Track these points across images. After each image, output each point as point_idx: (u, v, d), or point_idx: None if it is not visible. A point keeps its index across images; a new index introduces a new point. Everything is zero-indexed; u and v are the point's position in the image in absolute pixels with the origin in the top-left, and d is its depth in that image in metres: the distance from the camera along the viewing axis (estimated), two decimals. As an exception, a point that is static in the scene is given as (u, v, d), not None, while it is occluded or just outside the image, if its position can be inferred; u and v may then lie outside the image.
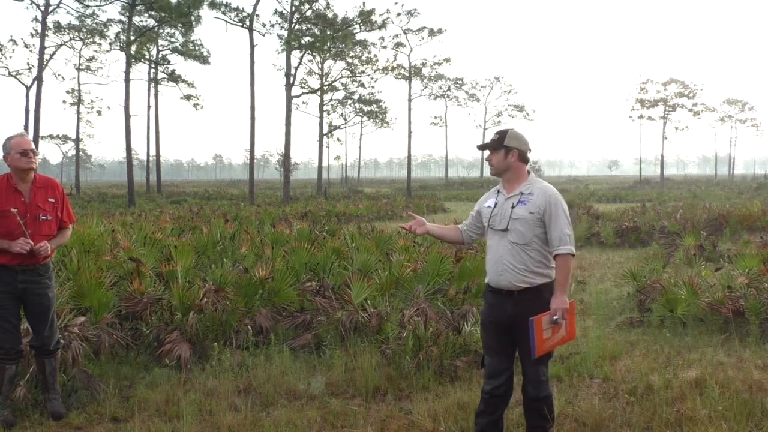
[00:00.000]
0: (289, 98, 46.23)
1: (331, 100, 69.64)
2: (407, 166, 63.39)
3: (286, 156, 46.75)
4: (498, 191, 4.46)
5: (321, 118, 65.46)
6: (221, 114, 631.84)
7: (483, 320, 4.49)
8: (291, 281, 8.11)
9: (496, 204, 4.39)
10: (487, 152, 4.43)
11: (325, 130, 66.75)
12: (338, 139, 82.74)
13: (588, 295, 10.39)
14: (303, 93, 56.67)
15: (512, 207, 4.27)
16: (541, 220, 4.20)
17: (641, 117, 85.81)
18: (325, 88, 62.19)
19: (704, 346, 7.31)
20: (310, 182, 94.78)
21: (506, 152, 4.30)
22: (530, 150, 4.38)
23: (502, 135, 4.34)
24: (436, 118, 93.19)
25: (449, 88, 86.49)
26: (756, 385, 5.81)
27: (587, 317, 8.92)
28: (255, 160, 45.68)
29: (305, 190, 65.65)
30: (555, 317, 4.09)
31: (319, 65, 64.07)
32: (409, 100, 62.95)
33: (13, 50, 61.37)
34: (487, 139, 4.47)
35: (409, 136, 61.80)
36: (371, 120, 71.26)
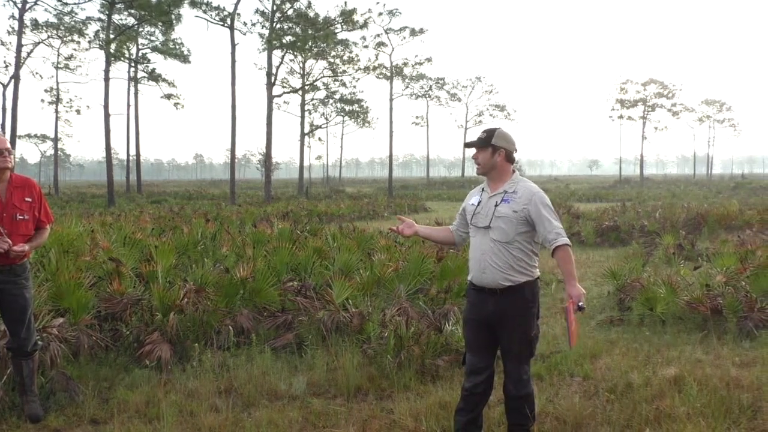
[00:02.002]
0: (271, 98, 46.10)
1: (312, 99, 69.57)
2: (389, 165, 63.52)
3: (267, 155, 46.61)
4: (483, 189, 4.46)
5: (302, 117, 65.32)
6: (202, 113, 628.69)
7: (465, 317, 4.49)
8: (272, 281, 8.07)
9: (479, 202, 4.39)
10: (473, 150, 4.43)
11: (307, 129, 66.62)
12: (319, 139, 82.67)
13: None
14: (284, 92, 56.49)
15: (495, 205, 4.26)
16: (525, 219, 4.19)
17: (621, 117, 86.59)
18: (306, 87, 62.03)
19: (683, 344, 7.37)
20: (292, 182, 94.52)
21: (493, 151, 4.29)
22: (516, 150, 4.39)
23: (490, 134, 4.32)
24: (417, 117, 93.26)
25: (431, 88, 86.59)
26: (733, 382, 5.87)
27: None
28: (236, 160, 45.53)
29: (286, 190, 65.45)
30: (581, 304, 4.09)
31: (301, 64, 63.90)
32: (391, 100, 63.14)
33: (-10, 48, 60.57)
34: (474, 138, 4.47)
35: (391, 136, 61.94)
36: (353, 120, 71.20)
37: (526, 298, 4.21)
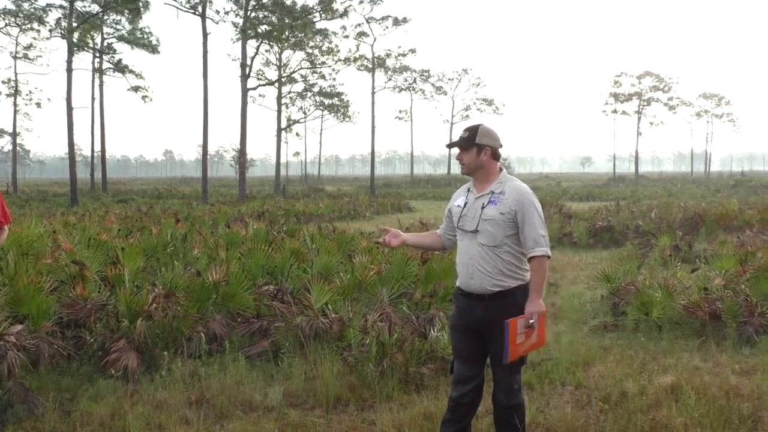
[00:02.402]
0: (245, 90, 45.97)
1: (289, 92, 69.41)
2: (371, 162, 63.55)
3: (242, 152, 46.50)
4: (468, 189, 4.44)
5: (279, 111, 65.15)
6: (172, 107, 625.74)
7: (453, 324, 4.49)
8: (247, 285, 8.04)
9: (465, 203, 4.37)
10: (456, 150, 4.42)
11: (284, 124, 66.46)
12: (297, 134, 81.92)
13: (560, 299, 10.50)
14: (260, 85, 56.25)
15: (482, 207, 4.25)
16: (513, 221, 4.18)
17: (615, 112, 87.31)
18: (283, 79, 61.99)
19: (680, 351, 7.42)
20: (268, 180, 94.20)
21: (478, 150, 4.26)
22: (501, 146, 4.37)
23: (473, 132, 4.28)
24: (401, 112, 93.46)
25: (415, 81, 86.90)
26: (733, 390, 5.91)
27: (559, 321, 9.01)
28: (208, 157, 45.35)
29: (262, 188, 65.33)
30: (531, 321, 4.10)
31: (277, 56, 63.81)
32: (373, 93, 63.05)
33: (-57, 37, 59.79)
34: (456, 136, 4.44)
35: (373, 131, 61.81)
36: (332, 114, 71.16)
37: (517, 303, 4.20)
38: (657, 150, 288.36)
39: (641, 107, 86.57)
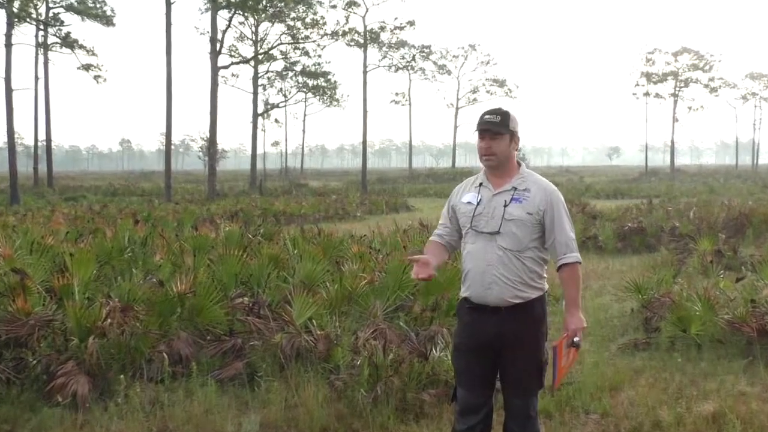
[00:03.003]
0: (215, 69, 45.86)
1: (267, 72, 69.49)
2: (362, 154, 63.25)
3: (212, 141, 46.39)
4: (480, 184, 4.42)
5: (255, 94, 65.09)
6: (130, 90, 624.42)
7: (457, 344, 4.48)
8: (217, 297, 8.04)
9: (480, 200, 4.35)
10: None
11: (260, 109, 66.53)
12: (276, 121, 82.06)
13: (583, 313, 10.50)
14: (233, 63, 56.29)
15: (504, 205, 4.26)
16: (540, 223, 4.24)
17: (647, 94, 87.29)
18: (260, 57, 61.88)
19: (723, 374, 7.42)
20: (242, 174, 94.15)
21: (511, 138, 4.30)
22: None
23: (505, 116, 4.29)
24: (397, 95, 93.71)
25: (413, 58, 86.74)
26: (784, 419, 5.94)
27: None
28: (172, 147, 45.29)
29: (235, 184, 65.21)
30: (576, 340, 4.15)
31: (253, 29, 63.72)
32: (365, 73, 62.83)
33: None
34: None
35: (365, 117, 61.46)
36: (317, 97, 71.26)
37: (536, 316, 4.24)
38: (696, 139, 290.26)
39: (678, 89, 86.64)
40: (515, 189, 4.28)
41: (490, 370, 4.35)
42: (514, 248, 4.20)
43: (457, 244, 4.61)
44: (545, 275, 4.32)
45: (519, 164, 4.39)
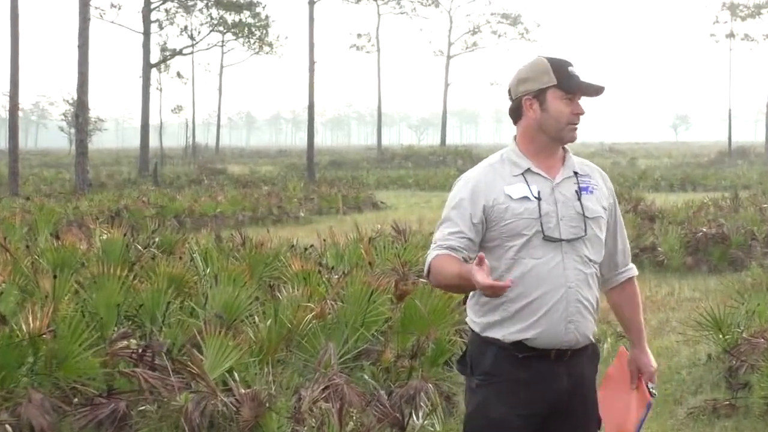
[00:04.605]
0: (85, -2, 45.53)
1: (164, 1, 69.19)
2: (308, 125, 62.95)
3: (81, 105, 45.87)
4: (528, 170, 4.37)
5: (147, 34, 64.90)
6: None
7: (502, 416, 4.32)
8: (90, 339, 7.96)
9: (539, 192, 4.31)
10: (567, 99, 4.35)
11: (155, 57, 66.36)
12: (179, 75, 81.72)
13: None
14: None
15: (578, 198, 4.33)
16: (607, 222, 4.42)
17: (732, 36, 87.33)
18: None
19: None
20: (127, 154, 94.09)
21: None
22: None
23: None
24: (360, 37, 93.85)
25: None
26: None
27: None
28: (21, 113, 44.92)
29: (118, 169, 65.29)
30: (651, 386, 4.27)
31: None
32: (311, 3, 62.67)
33: None
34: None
35: (311, 70, 61.09)
36: (240, 39, 71.34)
37: (597, 354, 4.52)
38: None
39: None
40: (577, 174, 4.38)
41: None
42: (597, 259, 4.35)
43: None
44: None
45: None
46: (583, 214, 4.26)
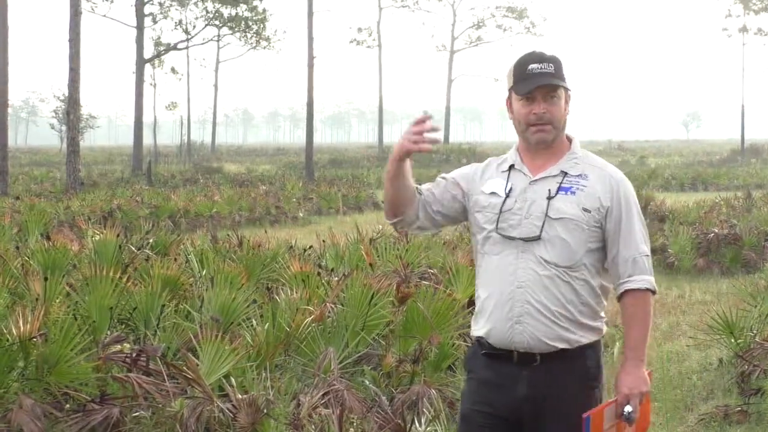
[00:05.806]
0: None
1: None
2: (307, 122, 63.14)
3: (73, 102, 45.85)
4: (512, 167, 4.43)
5: (140, 29, 65.03)
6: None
7: (466, 413, 4.48)
8: (82, 343, 7.97)
9: (510, 190, 4.34)
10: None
11: (149, 52, 66.36)
12: (174, 71, 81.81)
13: (649, 365, 10.49)
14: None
15: (548, 197, 4.26)
16: (601, 227, 4.28)
17: (745, 30, 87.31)
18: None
19: None
20: (121, 153, 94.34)
21: (566, 96, 4.38)
22: None
23: (559, 63, 4.34)
24: (360, 31, 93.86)
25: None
26: None
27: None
28: (10, 110, 44.95)
29: (111, 168, 65.50)
30: (627, 410, 4.07)
31: None
32: (310, -1, 62.74)
33: None
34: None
35: (311, 65, 61.26)
36: (237, 34, 71.37)
37: (588, 372, 4.28)
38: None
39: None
40: (565, 174, 4.30)
41: None
42: (561, 263, 4.20)
43: (427, 219, 4.55)
44: (603, 311, 4.26)
45: (570, 139, 4.35)
46: (546, 214, 4.20)
